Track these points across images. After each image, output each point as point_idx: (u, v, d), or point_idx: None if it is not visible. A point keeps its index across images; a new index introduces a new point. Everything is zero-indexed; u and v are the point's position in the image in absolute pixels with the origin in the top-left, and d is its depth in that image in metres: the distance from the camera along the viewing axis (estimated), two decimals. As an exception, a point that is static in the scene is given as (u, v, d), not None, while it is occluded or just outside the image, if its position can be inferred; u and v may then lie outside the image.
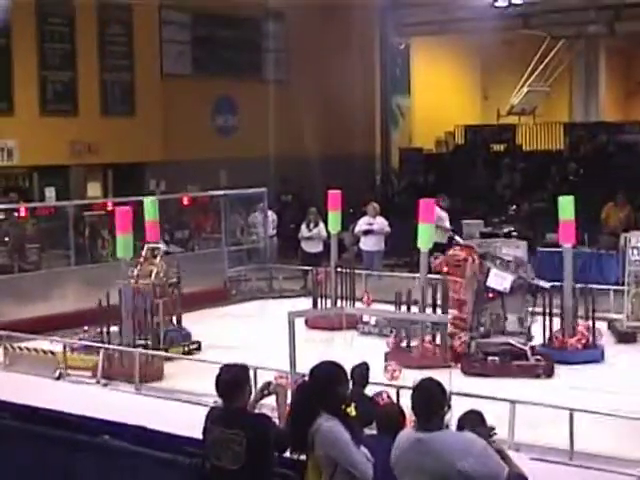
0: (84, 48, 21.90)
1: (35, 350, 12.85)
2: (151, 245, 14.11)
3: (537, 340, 13.05)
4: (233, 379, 6.12)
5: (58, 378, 12.33)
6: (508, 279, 12.64)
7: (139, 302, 13.25)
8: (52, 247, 17.66)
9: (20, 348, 13.06)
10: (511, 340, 12.53)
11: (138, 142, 22.43)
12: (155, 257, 13.93)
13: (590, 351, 13.26)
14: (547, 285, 13.20)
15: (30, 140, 20.67)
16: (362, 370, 8.80)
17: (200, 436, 6.30)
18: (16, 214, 17.61)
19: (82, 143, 21.62)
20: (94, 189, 22.61)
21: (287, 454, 6.12)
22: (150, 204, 14.72)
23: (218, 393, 6.14)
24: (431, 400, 5.44)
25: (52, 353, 12.62)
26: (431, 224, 13.66)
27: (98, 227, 18.33)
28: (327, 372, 5.90)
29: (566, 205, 13.66)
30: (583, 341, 13.31)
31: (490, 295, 12.76)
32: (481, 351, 12.47)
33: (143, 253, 13.90)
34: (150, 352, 12.64)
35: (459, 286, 13.08)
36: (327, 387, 5.79)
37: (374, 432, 6.99)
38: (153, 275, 13.60)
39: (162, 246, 14.58)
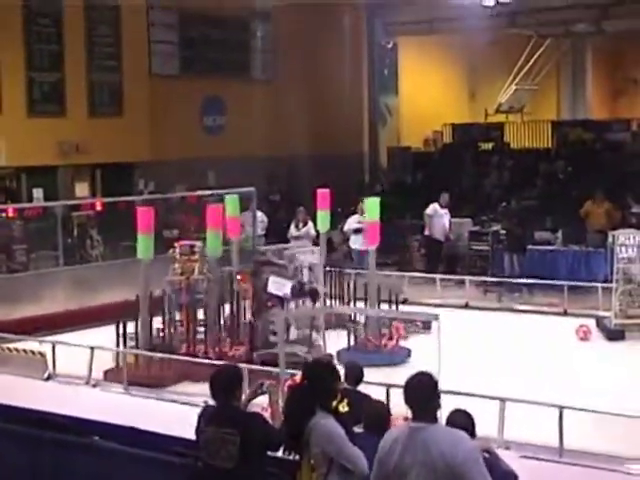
0: (72, 49, 21.80)
1: (24, 351, 12.81)
2: (187, 242, 14.37)
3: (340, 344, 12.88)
4: (227, 379, 6.16)
5: (47, 379, 12.30)
6: (287, 285, 12.25)
7: (186, 298, 13.35)
8: (41, 248, 17.61)
9: (9, 349, 13.02)
10: (294, 349, 11.67)
11: (126, 142, 22.37)
12: (194, 254, 14.05)
13: (395, 352, 13.07)
14: (324, 290, 12.92)
15: (18, 141, 20.57)
16: (355, 368, 8.78)
17: (192, 436, 6.30)
18: (4, 215, 17.56)
19: (70, 143, 21.52)
20: (82, 189, 22.51)
21: (279, 453, 6.14)
22: (231, 201, 14.98)
23: (212, 392, 6.16)
24: (425, 392, 5.40)
25: (41, 354, 12.58)
26: (149, 234, 12.82)
27: (87, 227, 18.30)
28: (321, 370, 5.95)
29: (372, 206, 13.62)
30: (392, 343, 13.13)
31: (269, 303, 12.39)
32: (261, 361, 11.66)
33: (177, 251, 14.03)
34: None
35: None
36: (322, 385, 5.84)
37: (360, 430, 6.97)
38: (196, 271, 13.74)
39: (199, 244, 14.59)
